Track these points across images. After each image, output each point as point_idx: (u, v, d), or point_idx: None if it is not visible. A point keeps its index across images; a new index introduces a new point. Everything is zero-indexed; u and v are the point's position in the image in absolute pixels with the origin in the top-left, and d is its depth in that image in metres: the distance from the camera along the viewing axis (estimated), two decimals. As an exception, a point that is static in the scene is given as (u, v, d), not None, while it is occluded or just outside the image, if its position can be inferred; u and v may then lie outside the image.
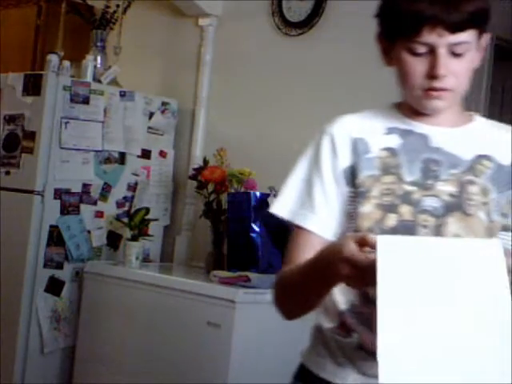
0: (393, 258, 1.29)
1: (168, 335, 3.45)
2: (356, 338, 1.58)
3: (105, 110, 4.01)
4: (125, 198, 4.12)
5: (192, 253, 4.24)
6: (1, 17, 4.89)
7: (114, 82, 4.18)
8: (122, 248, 4.01)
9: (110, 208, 4.06)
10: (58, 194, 3.90)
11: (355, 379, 1.59)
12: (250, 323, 3.25)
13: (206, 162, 3.93)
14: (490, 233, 1.55)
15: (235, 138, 4.09)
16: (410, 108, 1.62)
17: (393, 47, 1.56)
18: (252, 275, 3.35)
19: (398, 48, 1.55)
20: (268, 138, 3.98)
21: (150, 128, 4.20)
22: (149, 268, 3.95)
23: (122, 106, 4.09)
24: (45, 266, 3.87)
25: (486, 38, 1.59)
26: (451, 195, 1.56)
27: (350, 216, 1.58)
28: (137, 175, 4.16)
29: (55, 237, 3.89)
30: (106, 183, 4.04)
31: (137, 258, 3.81)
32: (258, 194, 3.60)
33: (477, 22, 1.52)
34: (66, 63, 4.00)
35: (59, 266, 3.91)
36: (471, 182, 1.58)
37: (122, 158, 4.09)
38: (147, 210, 3.98)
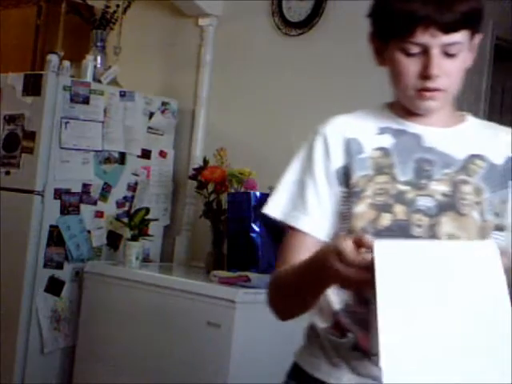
0: (390, 261, 1.30)
1: (168, 335, 3.45)
2: (350, 338, 1.58)
3: (105, 110, 4.01)
4: (125, 198, 4.12)
5: (192, 253, 4.24)
6: (1, 17, 4.89)
7: (113, 81, 4.18)
8: (121, 248, 4.01)
9: (110, 208, 4.07)
10: (58, 194, 3.90)
11: (350, 379, 1.58)
12: (250, 323, 3.24)
13: (206, 161, 3.93)
14: (484, 232, 1.55)
15: (235, 137, 4.09)
16: (403, 108, 1.61)
17: (386, 47, 1.56)
18: (252, 275, 3.35)
19: (390, 48, 1.55)
20: (268, 137, 3.98)
21: (149, 128, 4.20)
22: (149, 268, 3.95)
23: (121, 106, 4.09)
24: (45, 265, 3.87)
25: (479, 37, 1.59)
26: (444, 195, 1.56)
27: (344, 216, 1.58)
28: (137, 175, 4.16)
29: (55, 237, 3.89)
30: (106, 183, 4.04)
31: (137, 258, 3.81)
32: (258, 193, 3.60)
33: (470, 22, 1.52)
34: (66, 63, 4.01)
35: (59, 266, 3.91)
36: (464, 182, 1.58)
37: (121, 158, 4.09)
38: (147, 210, 3.98)
